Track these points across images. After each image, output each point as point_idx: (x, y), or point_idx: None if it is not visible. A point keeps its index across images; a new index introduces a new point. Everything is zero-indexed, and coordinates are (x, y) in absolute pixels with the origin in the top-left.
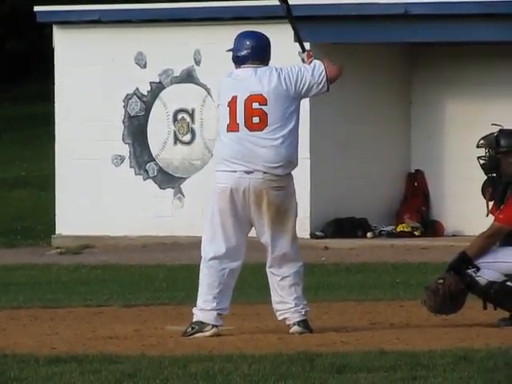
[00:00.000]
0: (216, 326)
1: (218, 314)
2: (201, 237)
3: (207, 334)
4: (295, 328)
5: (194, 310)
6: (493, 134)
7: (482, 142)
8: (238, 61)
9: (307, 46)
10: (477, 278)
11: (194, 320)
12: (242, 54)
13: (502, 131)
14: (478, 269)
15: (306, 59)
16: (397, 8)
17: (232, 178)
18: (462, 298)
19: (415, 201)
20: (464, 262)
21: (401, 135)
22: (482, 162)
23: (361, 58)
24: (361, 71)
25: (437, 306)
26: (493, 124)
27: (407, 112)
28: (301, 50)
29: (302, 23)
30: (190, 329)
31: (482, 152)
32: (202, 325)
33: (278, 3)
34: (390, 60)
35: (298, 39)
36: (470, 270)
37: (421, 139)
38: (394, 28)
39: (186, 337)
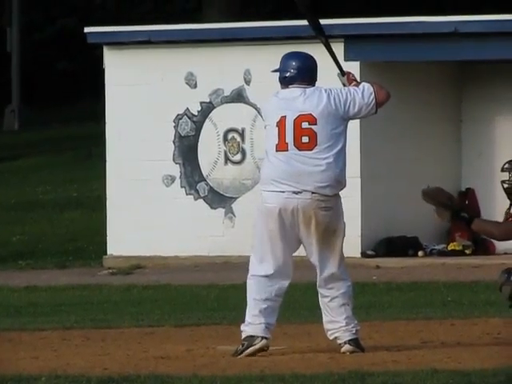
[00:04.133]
0: (266, 338)
1: (266, 327)
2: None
3: (257, 346)
4: (346, 347)
5: (242, 327)
6: None
7: (506, 165)
8: (286, 81)
9: (356, 65)
10: None
11: (243, 337)
12: (290, 74)
13: None
14: None
15: (346, 83)
16: (447, 26)
17: (280, 198)
18: None
19: None
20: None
21: (451, 153)
22: (506, 185)
23: (411, 76)
24: (411, 90)
25: None
26: None
27: (458, 130)
28: (339, 73)
29: (352, 42)
30: (240, 347)
31: (506, 176)
32: (251, 339)
33: (328, 23)
34: (440, 78)
35: (336, 62)
36: None
37: (472, 157)
38: (443, 46)
39: (237, 356)
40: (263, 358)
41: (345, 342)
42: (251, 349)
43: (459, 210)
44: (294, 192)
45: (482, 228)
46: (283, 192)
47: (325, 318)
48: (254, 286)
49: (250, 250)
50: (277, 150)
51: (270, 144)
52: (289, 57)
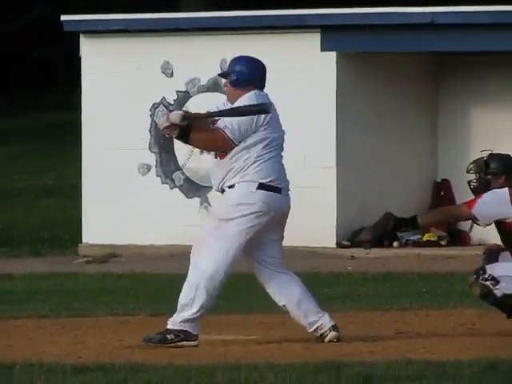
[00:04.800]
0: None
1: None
2: None
3: (193, 344)
4: (333, 334)
5: (182, 319)
6: (482, 158)
7: (471, 166)
8: (263, 84)
9: (333, 55)
10: (494, 291)
11: (178, 328)
12: (258, 78)
13: (491, 155)
14: (498, 282)
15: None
16: (423, 17)
17: (278, 198)
18: None
19: None
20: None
21: (427, 145)
22: (472, 186)
23: (388, 67)
24: (387, 81)
25: None
26: (482, 150)
27: (434, 121)
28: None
29: (329, 32)
30: (172, 336)
31: (473, 177)
32: (188, 334)
33: (305, 13)
34: (416, 70)
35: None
36: (488, 282)
37: (448, 149)
38: (420, 38)
39: (166, 344)
40: (238, 347)
41: (329, 329)
42: (184, 343)
43: (403, 222)
44: (287, 190)
45: (429, 219)
46: (280, 190)
47: (297, 313)
48: (212, 287)
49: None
50: (279, 149)
51: (274, 144)
52: (258, 60)
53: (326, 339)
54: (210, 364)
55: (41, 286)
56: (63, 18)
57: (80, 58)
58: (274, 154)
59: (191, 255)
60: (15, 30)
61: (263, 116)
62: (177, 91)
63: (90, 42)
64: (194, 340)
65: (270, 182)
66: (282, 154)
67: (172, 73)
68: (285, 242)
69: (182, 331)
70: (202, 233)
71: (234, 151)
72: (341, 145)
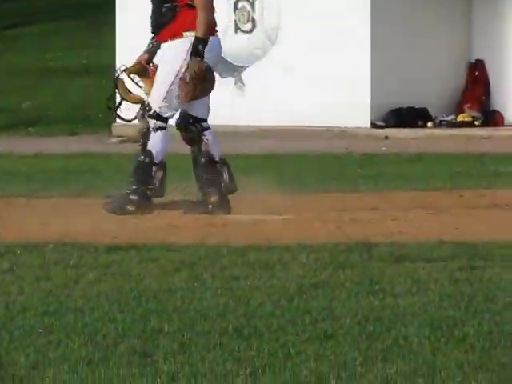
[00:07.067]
0: None
1: None
2: (261, 126)
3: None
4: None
5: None
6: None
7: None
8: None
9: None
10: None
11: None
12: None
13: None
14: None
15: None
16: None
17: None
18: (209, 77)
19: (476, 91)
20: (200, 43)
21: (462, 25)
22: None
23: None
24: None
25: (191, 92)
26: None
27: (469, 2)
28: None
29: None
30: None
31: None
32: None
33: None
34: None
35: None
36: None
37: (482, 29)
38: None
39: None
40: (270, 227)
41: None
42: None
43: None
44: None
45: None
46: None
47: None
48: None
49: (261, 119)
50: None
51: None
52: None
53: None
54: (242, 244)
55: (74, 165)
56: None
57: None
58: None
59: None
60: None
61: None
62: None
63: None
64: None
65: None
66: None
67: None
68: (317, 122)
69: None
70: None
71: None
72: (376, 20)
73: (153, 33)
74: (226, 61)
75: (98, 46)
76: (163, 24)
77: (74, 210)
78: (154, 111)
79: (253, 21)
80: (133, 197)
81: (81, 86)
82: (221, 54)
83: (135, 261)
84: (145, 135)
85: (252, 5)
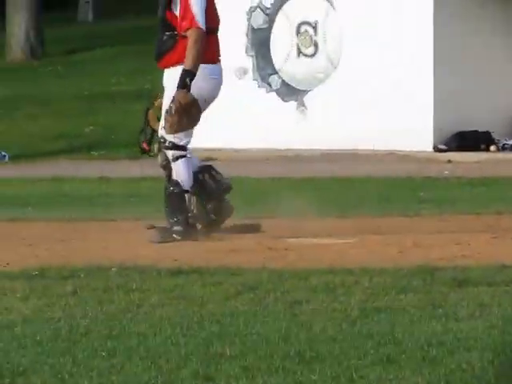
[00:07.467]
0: None
1: None
2: (321, 150)
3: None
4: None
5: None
6: None
7: None
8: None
9: None
10: None
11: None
12: None
13: None
14: None
15: None
16: None
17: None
18: (194, 109)
19: None
20: (188, 75)
21: None
22: None
23: None
24: None
25: (177, 124)
26: None
27: None
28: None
29: None
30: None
31: None
32: None
33: None
34: None
35: None
36: None
37: None
38: None
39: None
40: (332, 251)
41: None
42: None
43: None
44: None
45: None
46: None
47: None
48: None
49: (322, 143)
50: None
51: None
52: None
53: None
54: (304, 268)
55: (136, 188)
56: None
57: None
58: None
59: None
60: None
61: None
62: None
63: None
64: None
65: None
66: None
67: None
68: (379, 145)
69: None
70: None
71: None
72: (439, 44)
73: (155, 59)
74: (289, 85)
75: (162, 70)
76: (164, 51)
77: (135, 232)
78: (170, 141)
79: (315, 45)
80: (176, 228)
81: (143, 111)
82: (221, 83)
83: (198, 284)
84: (166, 168)
85: (314, 29)
